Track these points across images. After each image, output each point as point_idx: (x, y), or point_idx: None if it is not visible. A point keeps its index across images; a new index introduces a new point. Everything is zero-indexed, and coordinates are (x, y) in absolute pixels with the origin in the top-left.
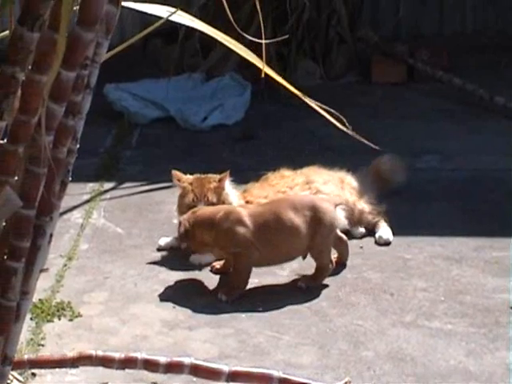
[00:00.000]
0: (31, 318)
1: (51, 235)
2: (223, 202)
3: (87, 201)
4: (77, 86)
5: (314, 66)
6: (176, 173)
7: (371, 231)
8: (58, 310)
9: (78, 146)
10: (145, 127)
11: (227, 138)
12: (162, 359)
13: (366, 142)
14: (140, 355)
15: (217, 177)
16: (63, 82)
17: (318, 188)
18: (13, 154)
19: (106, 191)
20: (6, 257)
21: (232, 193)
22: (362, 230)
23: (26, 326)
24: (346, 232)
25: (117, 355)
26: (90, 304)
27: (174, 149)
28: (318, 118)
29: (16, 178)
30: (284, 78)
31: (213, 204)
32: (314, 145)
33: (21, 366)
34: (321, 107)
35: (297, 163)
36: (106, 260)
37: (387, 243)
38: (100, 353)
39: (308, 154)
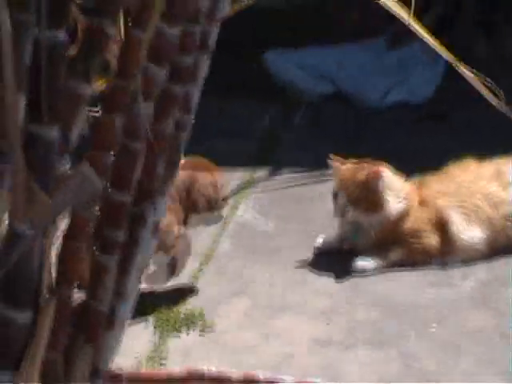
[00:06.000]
0: (154, 329)
1: (157, 227)
2: (376, 202)
3: (234, 192)
4: (185, 46)
5: None
6: (336, 158)
7: None
8: (187, 321)
9: (192, 118)
10: (311, 105)
11: (407, 119)
12: (289, 379)
13: None
14: (262, 374)
15: (373, 165)
16: (163, 38)
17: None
18: (109, 124)
19: (258, 181)
20: (98, 251)
21: (392, 190)
22: None
23: (147, 340)
24: None
25: (234, 374)
26: (227, 314)
27: (345, 131)
28: None
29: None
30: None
31: (355, 199)
32: None
33: (117, 381)
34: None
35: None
36: (250, 262)
37: None
38: (213, 370)
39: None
